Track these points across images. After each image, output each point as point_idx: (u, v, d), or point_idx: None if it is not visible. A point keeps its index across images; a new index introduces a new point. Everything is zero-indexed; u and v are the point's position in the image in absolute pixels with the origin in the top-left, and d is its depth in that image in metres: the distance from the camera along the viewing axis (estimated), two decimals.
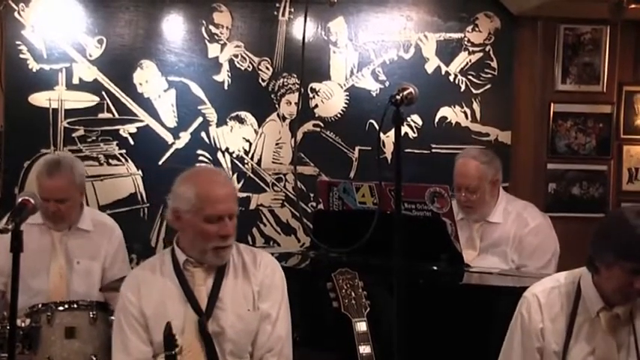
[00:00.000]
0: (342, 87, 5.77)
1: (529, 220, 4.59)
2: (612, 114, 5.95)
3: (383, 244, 2.98)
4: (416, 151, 5.76)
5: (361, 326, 3.24)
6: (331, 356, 4.11)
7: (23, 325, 3.79)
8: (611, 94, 5.94)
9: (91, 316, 3.88)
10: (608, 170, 5.96)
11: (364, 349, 3.18)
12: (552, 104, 5.91)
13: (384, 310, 3.25)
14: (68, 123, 5.55)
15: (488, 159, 4.60)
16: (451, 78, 5.83)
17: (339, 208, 4.60)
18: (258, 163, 5.73)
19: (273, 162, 5.75)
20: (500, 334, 3.26)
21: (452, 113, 5.84)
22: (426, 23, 5.83)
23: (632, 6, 5.29)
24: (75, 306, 3.93)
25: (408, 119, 5.72)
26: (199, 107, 5.66)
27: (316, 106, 5.75)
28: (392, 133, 2.90)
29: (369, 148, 5.70)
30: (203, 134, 5.67)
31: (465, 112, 5.84)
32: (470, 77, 5.83)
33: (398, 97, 2.90)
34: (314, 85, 5.74)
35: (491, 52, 5.86)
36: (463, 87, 5.84)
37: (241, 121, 5.71)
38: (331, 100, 5.76)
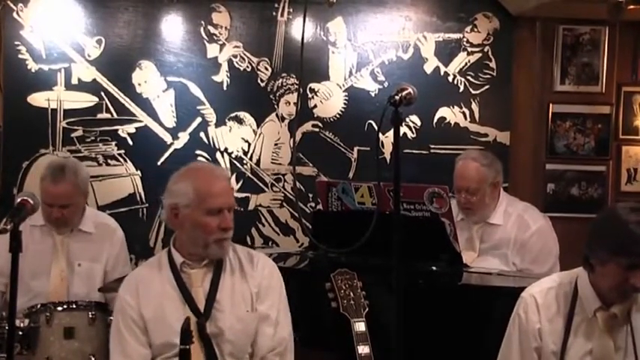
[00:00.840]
0: (340, 87, 5.77)
1: (530, 223, 4.58)
2: (611, 114, 5.95)
3: (382, 245, 2.99)
4: (415, 151, 5.76)
5: (360, 326, 3.25)
6: (330, 356, 4.11)
7: (22, 325, 3.80)
8: (609, 94, 5.94)
9: (90, 316, 3.88)
10: (606, 171, 5.97)
11: (363, 349, 3.18)
12: (551, 105, 5.91)
13: (382, 310, 3.25)
14: (67, 123, 5.55)
15: (489, 161, 4.59)
16: (450, 78, 5.83)
17: (337, 208, 4.60)
18: (257, 163, 5.73)
19: (272, 162, 5.75)
20: (499, 334, 3.26)
21: (451, 114, 5.84)
22: (424, 24, 5.83)
23: (631, 7, 5.30)
24: (74, 306, 3.94)
25: (407, 119, 5.72)
26: (198, 107, 5.66)
27: (315, 106, 5.75)
28: (391, 133, 2.91)
29: (368, 148, 5.70)
30: (202, 134, 5.67)
31: (463, 113, 5.84)
32: (469, 78, 5.83)
33: (397, 98, 2.91)
34: (313, 85, 5.74)
35: (489, 53, 5.86)
36: (462, 87, 5.84)
37: (240, 121, 5.71)
38: (330, 101, 5.76)
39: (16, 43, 5.48)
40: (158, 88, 5.63)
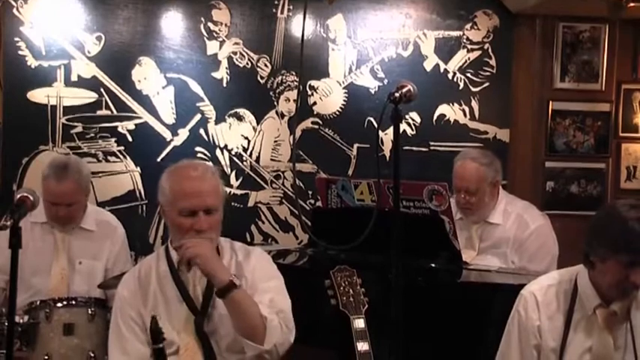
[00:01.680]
0: (340, 84, 5.77)
1: (529, 222, 4.58)
2: (611, 112, 5.95)
3: (381, 242, 2.99)
4: (414, 148, 5.76)
5: (359, 323, 3.24)
6: (329, 353, 4.12)
7: (21, 321, 3.79)
8: (609, 92, 5.95)
9: (90, 312, 3.89)
10: (606, 168, 5.97)
11: (362, 347, 3.18)
12: (551, 102, 5.91)
13: (382, 307, 3.25)
14: (67, 119, 5.54)
15: (488, 160, 4.58)
16: (450, 76, 5.83)
17: (337, 205, 4.60)
18: (257, 160, 5.74)
19: (271, 159, 5.75)
20: (499, 331, 3.26)
21: (450, 111, 5.84)
22: (424, 21, 5.83)
23: (631, 4, 5.29)
24: (73, 302, 3.94)
25: (407, 117, 5.72)
26: (198, 104, 5.66)
27: (315, 103, 5.75)
28: (390, 130, 2.91)
29: (368, 145, 5.70)
30: (202, 131, 5.67)
31: (463, 110, 5.84)
32: (468, 75, 5.83)
33: (397, 95, 2.91)
34: (313, 82, 5.74)
35: (489, 50, 5.86)
36: (462, 85, 5.84)
37: (240, 118, 5.71)
38: (330, 98, 5.76)
39: (16, 39, 5.48)
40: (158, 84, 5.63)
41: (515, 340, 3.17)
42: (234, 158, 5.70)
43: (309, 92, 5.73)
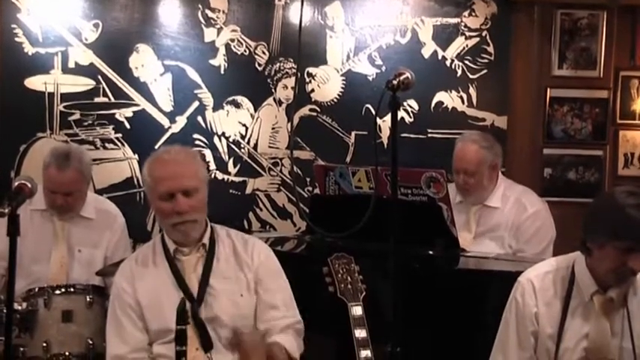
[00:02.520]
0: (338, 72, 5.76)
1: (527, 206, 4.61)
2: (609, 99, 5.94)
3: (379, 229, 2.99)
4: (412, 135, 5.75)
5: (357, 310, 3.25)
6: (327, 341, 4.13)
7: (20, 308, 3.80)
8: (607, 79, 5.93)
9: (88, 300, 3.89)
10: (604, 155, 5.96)
11: (360, 334, 3.19)
12: (549, 89, 5.90)
13: (380, 294, 3.26)
14: (64, 107, 5.54)
15: (489, 144, 4.62)
16: (448, 63, 5.82)
17: (335, 192, 4.61)
18: (255, 147, 5.73)
19: (269, 146, 5.75)
20: (496, 318, 3.27)
21: (448, 98, 5.83)
22: (422, 8, 5.81)
23: None
24: (72, 290, 3.94)
25: (405, 104, 5.72)
26: (195, 91, 5.66)
27: (312, 90, 5.74)
28: (388, 117, 2.90)
29: (366, 132, 5.70)
30: (199, 118, 5.66)
31: (461, 97, 5.83)
32: (466, 62, 5.82)
33: (394, 83, 2.91)
34: (310, 69, 5.73)
35: (487, 37, 5.85)
36: (460, 72, 5.83)
37: (237, 105, 5.70)
38: (327, 85, 5.76)
39: (13, 26, 5.47)
40: (155, 71, 5.62)
41: (512, 326, 3.17)
42: (232, 145, 5.70)
43: (307, 79, 5.72)
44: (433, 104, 5.81)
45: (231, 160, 5.69)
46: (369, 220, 3.15)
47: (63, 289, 3.93)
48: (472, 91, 5.84)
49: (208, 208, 3.44)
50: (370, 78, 5.77)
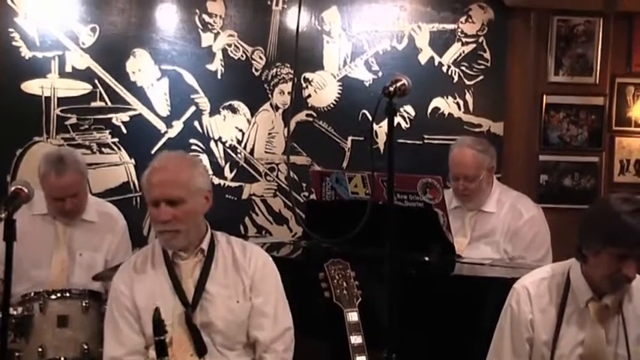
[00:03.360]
0: (335, 77, 5.77)
1: (523, 212, 4.62)
2: (604, 106, 5.95)
3: (375, 235, 3.00)
4: (408, 141, 5.76)
5: (353, 316, 3.26)
6: (323, 346, 4.13)
7: (15, 313, 3.79)
8: (603, 85, 5.95)
9: (84, 304, 3.89)
10: (599, 162, 5.98)
11: (355, 339, 3.19)
12: (545, 96, 5.91)
13: (375, 300, 3.26)
14: (61, 111, 5.53)
15: (484, 147, 4.63)
16: (444, 69, 5.83)
17: (331, 198, 4.61)
18: (251, 152, 5.73)
19: (265, 152, 5.75)
20: (492, 324, 3.28)
21: (445, 104, 5.84)
22: (419, 14, 5.82)
23: None
24: (67, 295, 3.94)
25: (401, 110, 5.72)
26: (192, 96, 5.66)
27: (309, 95, 5.75)
28: (385, 123, 2.91)
29: (362, 138, 5.70)
30: (196, 123, 5.66)
31: (457, 103, 5.84)
32: (463, 68, 5.83)
33: (391, 89, 2.92)
34: (307, 74, 5.73)
35: (484, 44, 5.86)
36: (456, 78, 5.84)
37: (234, 110, 5.71)
38: (324, 90, 5.76)
39: (10, 30, 5.46)
40: (152, 76, 5.62)
41: (507, 333, 3.18)
42: (229, 150, 5.70)
43: (304, 85, 5.73)
44: (429, 110, 5.82)
45: (227, 165, 5.69)
46: (365, 226, 3.16)
47: (58, 294, 3.92)
48: (468, 97, 5.85)
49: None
50: (367, 84, 5.78)
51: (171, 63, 5.63)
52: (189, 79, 5.64)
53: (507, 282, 3.37)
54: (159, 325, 3.09)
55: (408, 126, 5.79)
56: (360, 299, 3.30)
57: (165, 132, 5.63)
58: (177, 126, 5.64)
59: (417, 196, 4.24)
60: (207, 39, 5.66)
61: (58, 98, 5.52)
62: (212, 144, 5.68)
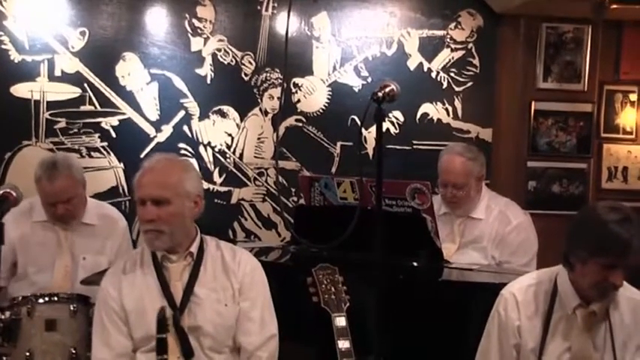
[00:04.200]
0: (324, 82, 5.77)
1: (511, 218, 4.62)
2: (593, 113, 5.98)
3: (363, 240, 3.00)
4: (397, 147, 5.77)
5: (340, 321, 3.26)
6: (310, 351, 4.12)
7: (3, 317, 3.78)
8: (592, 92, 5.98)
9: (72, 309, 3.87)
10: (588, 168, 6.00)
11: (343, 344, 3.19)
12: (533, 102, 5.94)
13: (363, 305, 3.26)
14: (50, 115, 5.52)
15: (474, 155, 4.62)
16: (433, 75, 5.85)
17: (320, 203, 4.60)
18: (240, 157, 5.73)
19: (255, 156, 5.75)
20: (479, 329, 3.28)
21: (433, 110, 5.86)
22: (409, 20, 5.84)
23: (614, 6, 5.34)
24: (55, 299, 3.92)
25: (390, 115, 5.74)
26: (181, 100, 5.65)
27: (298, 101, 5.76)
28: (374, 128, 2.92)
29: (351, 143, 5.71)
30: (185, 128, 5.66)
31: (446, 109, 5.86)
32: (452, 74, 5.85)
33: (380, 95, 2.93)
34: (296, 80, 5.74)
35: (473, 50, 5.88)
36: (445, 84, 5.86)
37: (223, 115, 5.71)
38: (313, 96, 5.77)
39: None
40: (142, 80, 5.61)
41: (494, 339, 3.19)
42: (218, 155, 5.70)
43: (293, 90, 5.74)
44: (418, 116, 5.84)
45: (216, 170, 5.69)
46: (353, 231, 3.16)
47: (46, 298, 3.90)
48: (457, 103, 5.87)
49: None
50: (356, 89, 5.79)
51: (160, 67, 5.62)
52: (179, 83, 5.64)
53: (495, 287, 3.38)
54: (163, 323, 3.08)
55: (397, 131, 5.80)
56: (348, 304, 3.30)
57: (155, 136, 5.62)
58: (167, 130, 5.64)
59: (405, 202, 4.25)
60: (196, 43, 5.66)
61: (48, 102, 5.51)
62: (201, 148, 5.68)
